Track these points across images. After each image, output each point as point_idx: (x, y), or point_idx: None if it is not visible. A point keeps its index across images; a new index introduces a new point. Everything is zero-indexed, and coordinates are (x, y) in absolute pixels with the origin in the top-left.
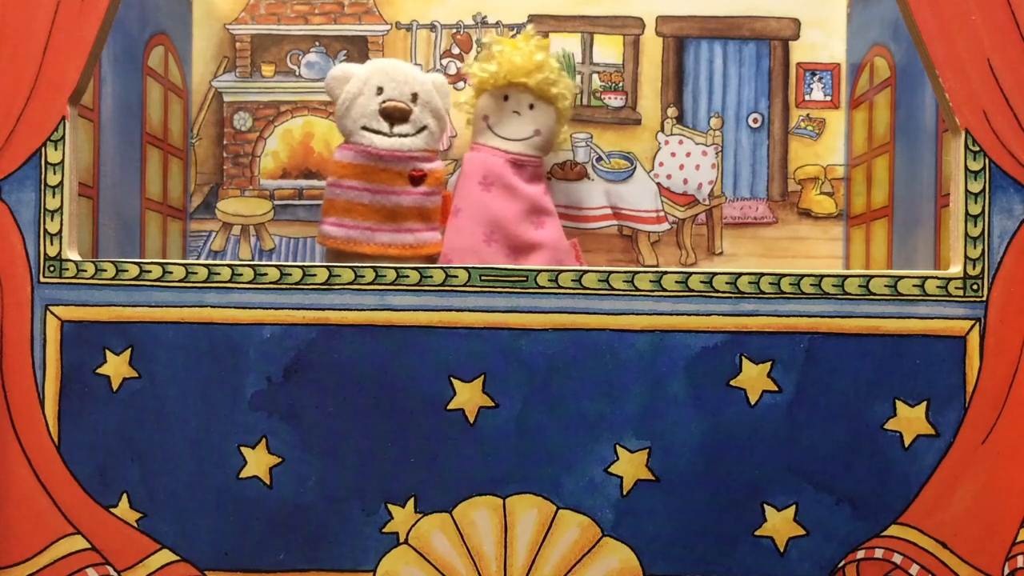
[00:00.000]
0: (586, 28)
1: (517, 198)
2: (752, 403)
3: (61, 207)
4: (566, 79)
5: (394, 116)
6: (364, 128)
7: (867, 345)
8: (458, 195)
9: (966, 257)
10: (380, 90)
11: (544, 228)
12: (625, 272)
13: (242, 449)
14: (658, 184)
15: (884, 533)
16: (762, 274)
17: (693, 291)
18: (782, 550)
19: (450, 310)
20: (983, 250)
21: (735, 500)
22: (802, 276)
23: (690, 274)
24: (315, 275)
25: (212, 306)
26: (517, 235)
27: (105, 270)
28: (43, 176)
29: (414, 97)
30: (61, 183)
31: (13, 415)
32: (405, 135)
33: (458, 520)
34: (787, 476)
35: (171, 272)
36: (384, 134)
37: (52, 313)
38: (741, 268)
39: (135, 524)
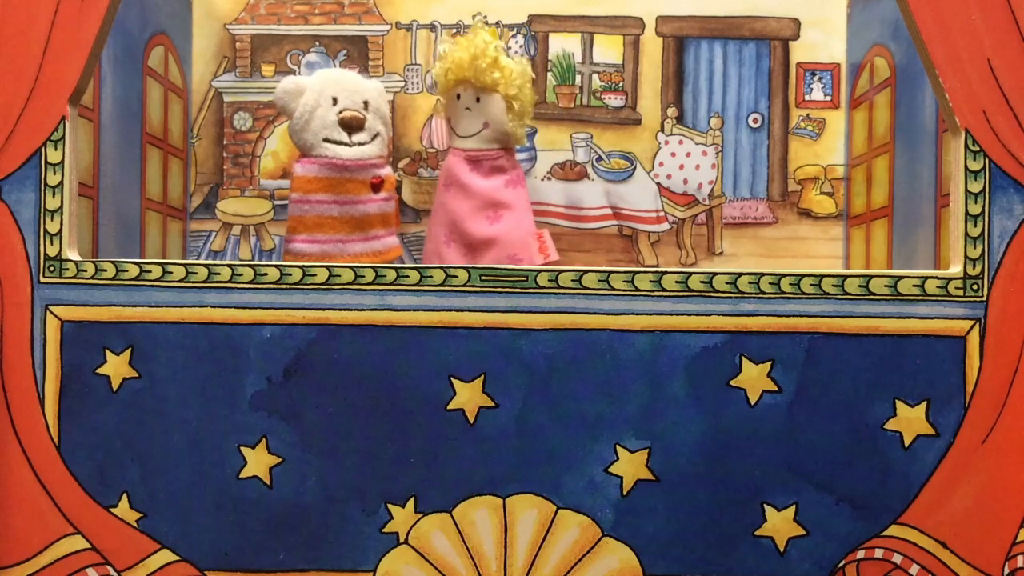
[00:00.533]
0: (586, 28)
1: (470, 195)
2: (752, 403)
3: (61, 207)
4: (513, 65)
5: (352, 125)
6: (326, 140)
7: (867, 345)
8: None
9: (966, 257)
10: (335, 101)
11: (499, 222)
12: (625, 272)
13: (242, 449)
14: (658, 184)
15: (884, 533)
16: (762, 274)
17: (693, 291)
18: (782, 550)
19: (450, 310)
20: (983, 250)
21: (735, 500)
22: (802, 276)
23: (690, 274)
24: (315, 275)
25: (212, 306)
26: (470, 232)
27: (105, 270)
28: (43, 176)
29: (366, 105)
30: (61, 183)
31: (13, 415)
32: (363, 143)
33: (458, 520)
34: (787, 476)
35: (171, 272)
36: (345, 144)
37: (52, 313)
38: (741, 268)
39: (135, 524)
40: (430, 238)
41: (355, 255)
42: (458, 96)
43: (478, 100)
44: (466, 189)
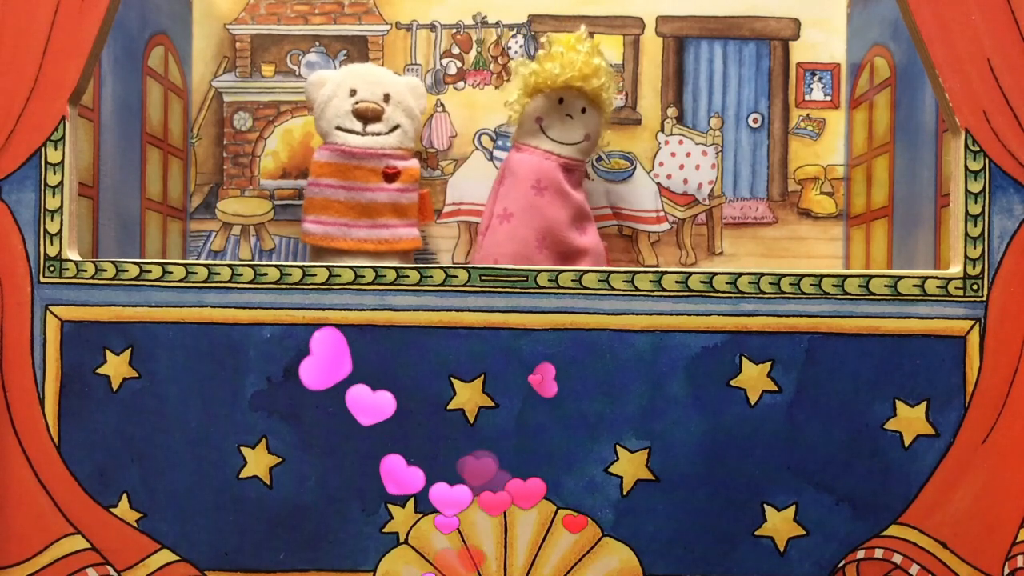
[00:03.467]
0: (586, 28)
1: (567, 204)
2: (752, 403)
3: (61, 207)
4: (613, 84)
5: (366, 116)
6: (338, 128)
7: (867, 345)
8: (508, 197)
9: (966, 257)
10: (353, 92)
11: (587, 234)
12: (625, 272)
13: (242, 449)
14: (658, 184)
15: (884, 533)
16: (762, 274)
17: (693, 291)
18: (782, 550)
19: (450, 310)
20: (983, 250)
21: (735, 500)
22: (802, 276)
23: (690, 274)
24: (315, 275)
25: (212, 306)
26: (566, 241)
27: (105, 270)
28: (43, 176)
29: (386, 98)
30: (61, 183)
31: (13, 415)
32: (378, 133)
33: (458, 520)
34: (787, 476)
35: (171, 272)
36: (358, 133)
37: (52, 313)
38: (741, 268)
39: (135, 524)
40: (514, 239)
41: (359, 240)
42: (561, 100)
43: (583, 111)
44: (565, 197)
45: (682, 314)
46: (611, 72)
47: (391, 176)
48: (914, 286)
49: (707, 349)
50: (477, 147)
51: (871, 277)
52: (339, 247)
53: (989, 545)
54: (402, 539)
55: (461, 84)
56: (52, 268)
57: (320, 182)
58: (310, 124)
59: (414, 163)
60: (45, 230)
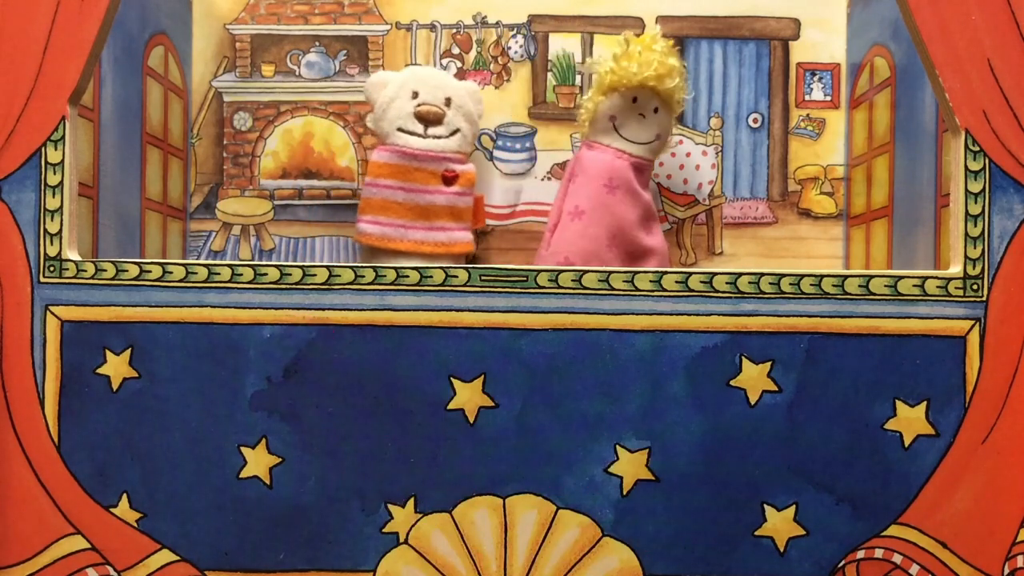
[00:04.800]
0: (586, 28)
1: (637, 203)
2: (752, 403)
3: (61, 207)
4: (684, 85)
5: (428, 119)
6: (399, 129)
7: (867, 345)
8: (579, 195)
9: (966, 257)
10: (415, 94)
11: (654, 234)
12: (625, 272)
13: (242, 449)
14: (658, 184)
15: (884, 533)
16: (762, 274)
17: (693, 291)
18: (782, 550)
19: (450, 310)
20: (983, 250)
21: (735, 500)
22: (802, 276)
23: (690, 274)
24: (315, 275)
25: (212, 306)
26: (635, 241)
27: (105, 270)
28: (43, 176)
29: (448, 101)
30: (61, 183)
31: (13, 415)
32: (439, 137)
33: (458, 520)
34: (787, 476)
35: (171, 272)
36: (419, 135)
37: (52, 313)
38: (741, 268)
39: (135, 524)
40: (585, 236)
41: (416, 242)
42: (635, 99)
43: (656, 111)
44: (636, 197)
45: (682, 314)
46: (684, 73)
47: (450, 179)
48: (914, 286)
49: (707, 349)
50: (477, 147)
51: (871, 277)
52: (396, 248)
53: (989, 545)
54: (402, 539)
55: None
56: (52, 268)
57: (379, 182)
58: (310, 124)
59: (471, 167)
60: (45, 230)
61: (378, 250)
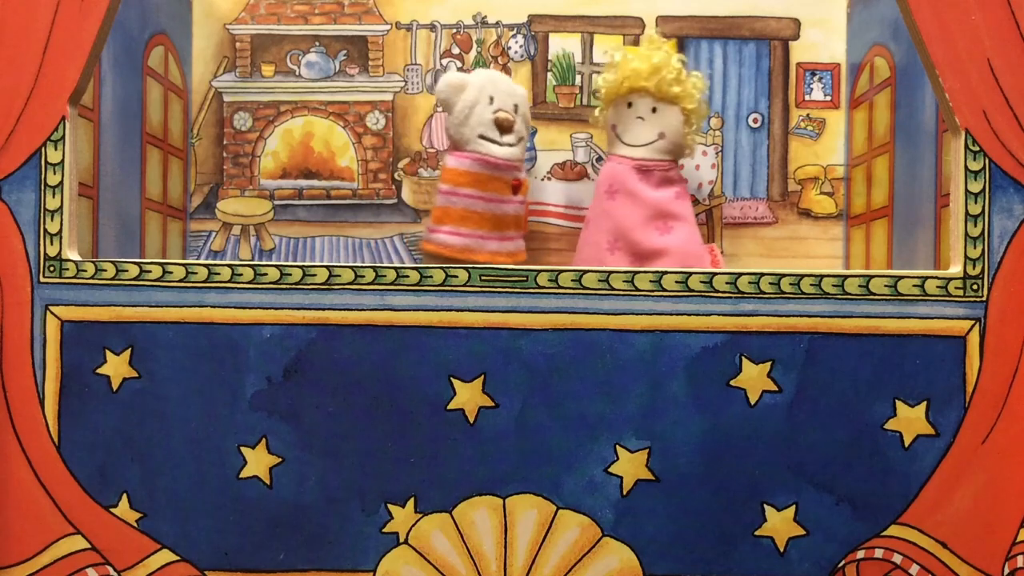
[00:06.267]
0: (586, 28)
1: (640, 204)
2: (752, 403)
3: (61, 207)
4: (693, 79)
5: (504, 126)
6: (481, 136)
7: (867, 345)
8: (590, 207)
9: (966, 257)
10: (491, 100)
11: (671, 233)
12: (625, 272)
13: (242, 449)
14: None
15: (884, 533)
16: (762, 274)
17: (693, 291)
18: (782, 550)
19: (450, 310)
20: (983, 250)
21: (735, 500)
22: (802, 276)
23: (690, 274)
24: (315, 275)
25: (212, 306)
26: (639, 242)
27: (105, 270)
28: (43, 176)
29: (515, 108)
30: (61, 183)
31: (13, 415)
32: (512, 145)
33: (458, 520)
34: (787, 476)
35: (171, 272)
36: (498, 143)
37: (52, 313)
38: (741, 268)
39: (135, 524)
40: (587, 243)
41: (492, 253)
42: (629, 104)
43: (654, 110)
44: (636, 198)
45: (682, 314)
46: (678, 67)
47: (517, 188)
48: (914, 286)
49: (707, 349)
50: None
51: (871, 277)
52: (475, 260)
53: (989, 545)
54: (402, 539)
55: None
56: (52, 268)
57: (459, 191)
58: (310, 124)
59: (526, 174)
60: (45, 230)
61: (453, 262)
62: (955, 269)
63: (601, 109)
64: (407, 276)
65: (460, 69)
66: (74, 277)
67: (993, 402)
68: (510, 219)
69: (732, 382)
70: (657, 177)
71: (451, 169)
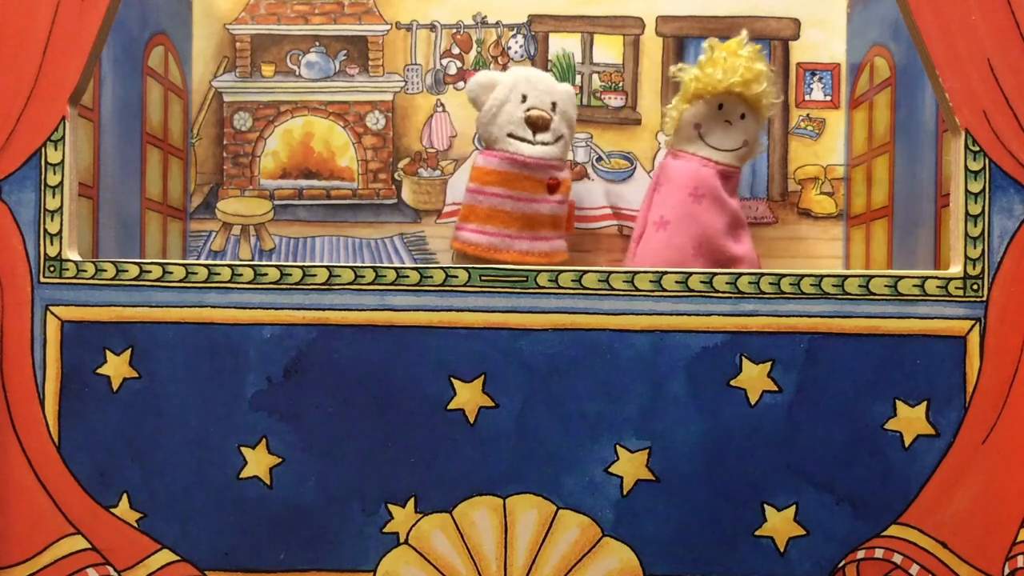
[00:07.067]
0: (586, 28)
1: (724, 211)
2: (752, 403)
3: (61, 207)
4: (773, 89)
5: (537, 124)
6: (510, 135)
7: (867, 345)
8: (664, 204)
9: (966, 257)
10: (524, 98)
11: (742, 243)
12: (625, 272)
13: (242, 449)
14: None
15: (884, 533)
16: (762, 274)
17: (693, 291)
18: (782, 550)
19: (450, 310)
20: (983, 250)
21: (735, 500)
22: (802, 276)
23: (690, 274)
24: (315, 275)
25: (212, 306)
26: (722, 249)
27: (105, 270)
28: (43, 176)
29: (553, 106)
30: (61, 183)
31: (13, 415)
32: (546, 143)
33: (458, 520)
34: (787, 476)
35: (171, 272)
36: (528, 142)
37: (52, 313)
38: (741, 268)
39: (135, 524)
40: (670, 247)
41: (521, 252)
42: (720, 106)
43: (743, 116)
44: (722, 204)
45: (682, 314)
46: (772, 78)
47: (554, 187)
48: (914, 286)
49: (707, 349)
50: (477, 147)
51: (871, 277)
52: (501, 259)
53: (989, 545)
54: (402, 539)
55: (461, 84)
56: (52, 268)
57: (486, 190)
58: (310, 124)
59: (568, 174)
60: (45, 230)
61: (481, 260)
62: (955, 269)
63: (681, 102)
64: (407, 276)
65: (460, 69)
66: (74, 277)
67: (993, 402)
68: (544, 219)
69: (732, 382)
70: (732, 185)
71: (478, 168)
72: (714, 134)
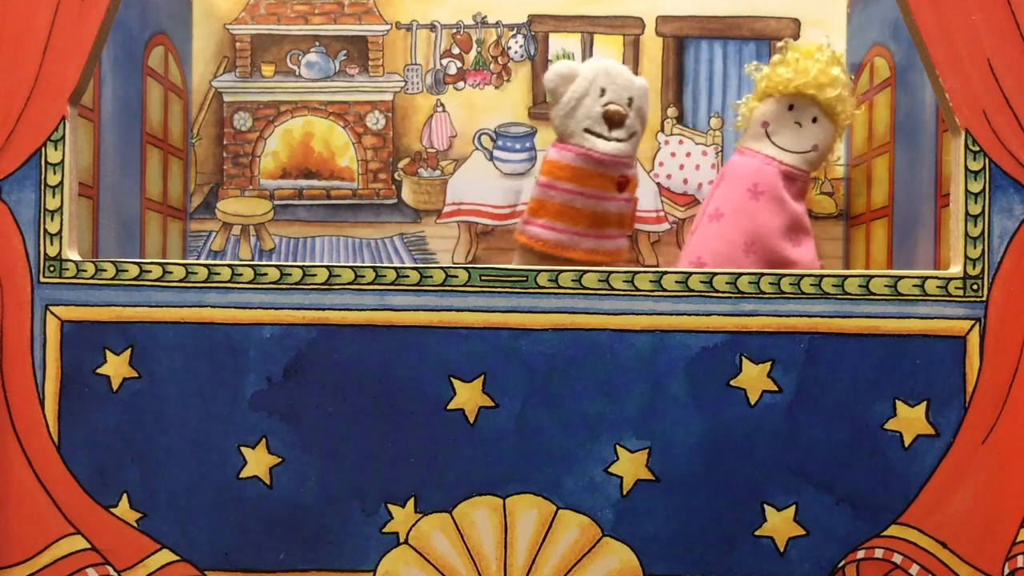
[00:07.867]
0: (586, 28)
1: (783, 212)
2: (752, 403)
3: (61, 207)
4: (852, 98)
5: (615, 120)
6: (587, 130)
7: (867, 345)
8: (723, 198)
9: (966, 257)
10: (602, 92)
11: (801, 247)
12: (625, 272)
13: (242, 449)
14: (658, 184)
15: (884, 533)
16: (762, 274)
17: (693, 291)
18: (782, 550)
19: (450, 310)
20: (983, 250)
21: (735, 500)
22: (802, 276)
23: (690, 274)
24: (315, 275)
25: (212, 306)
26: (776, 250)
27: (105, 270)
28: (43, 176)
29: (630, 102)
30: (61, 183)
31: (13, 415)
32: (620, 140)
33: (458, 520)
34: (787, 476)
35: (171, 272)
36: (604, 138)
37: (52, 313)
38: (741, 268)
39: (135, 524)
40: (722, 239)
41: (588, 251)
42: (791, 107)
43: (814, 120)
44: (782, 205)
45: (682, 314)
46: (850, 85)
47: (623, 184)
48: (914, 286)
49: (707, 349)
50: (477, 147)
51: (871, 277)
52: (568, 256)
53: (989, 545)
54: (402, 539)
55: (461, 84)
56: (52, 268)
57: (558, 185)
58: (310, 124)
59: (636, 171)
60: (45, 230)
61: (547, 256)
62: (955, 269)
63: (752, 99)
64: (407, 276)
65: (460, 69)
66: (74, 277)
67: (993, 402)
68: (612, 217)
69: (732, 382)
70: (799, 187)
71: (552, 161)
72: (782, 134)
